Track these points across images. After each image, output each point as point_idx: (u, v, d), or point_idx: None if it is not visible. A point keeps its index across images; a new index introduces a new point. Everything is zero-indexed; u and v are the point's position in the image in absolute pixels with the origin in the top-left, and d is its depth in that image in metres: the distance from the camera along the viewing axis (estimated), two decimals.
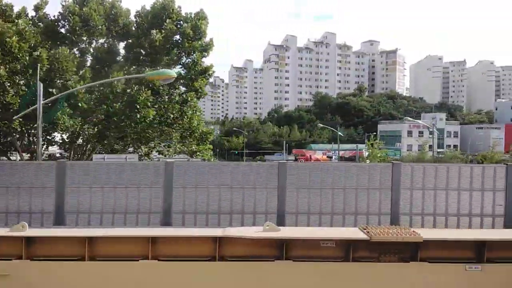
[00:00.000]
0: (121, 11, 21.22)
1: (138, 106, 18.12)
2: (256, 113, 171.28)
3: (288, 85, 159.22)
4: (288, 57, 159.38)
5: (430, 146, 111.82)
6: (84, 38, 20.67)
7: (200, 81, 20.63)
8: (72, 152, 22.55)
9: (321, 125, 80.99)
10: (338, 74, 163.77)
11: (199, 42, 20.32)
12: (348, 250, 8.77)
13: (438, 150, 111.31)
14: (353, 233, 8.83)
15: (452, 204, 10.11)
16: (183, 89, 21.41)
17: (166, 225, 9.84)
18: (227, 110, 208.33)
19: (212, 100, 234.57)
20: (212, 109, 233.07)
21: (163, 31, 19.96)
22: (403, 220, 10.04)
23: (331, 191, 10.07)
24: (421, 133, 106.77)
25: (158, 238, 8.77)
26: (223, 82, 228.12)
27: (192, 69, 20.41)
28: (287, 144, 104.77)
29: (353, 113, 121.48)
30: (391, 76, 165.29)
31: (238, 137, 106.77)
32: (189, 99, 20.03)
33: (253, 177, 10.16)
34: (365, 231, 8.76)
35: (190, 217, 10.02)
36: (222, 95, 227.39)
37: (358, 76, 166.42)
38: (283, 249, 8.74)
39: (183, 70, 20.57)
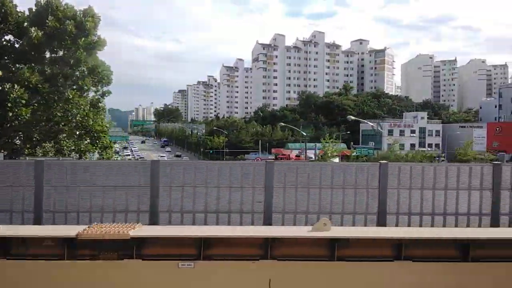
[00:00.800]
0: (12, 10, 21.05)
1: (9, 105, 17.93)
2: (247, 112, 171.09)
3: (276, 84, 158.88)
4: (276, 56, 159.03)
5: (412, 145, 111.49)
6: None
7: (86, 80, 20.42)
8: None
9: (283, 124, 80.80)
10: (326, 73, 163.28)
11: (84, 40, 20.09)
12: (67, 248, 8.62)
13: (421, 149, 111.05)
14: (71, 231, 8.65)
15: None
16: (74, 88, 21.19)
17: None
18: (219, 109, 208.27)
19: (205, 100, 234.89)
20: (205, 108, 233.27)
21: (46, 28, 19.78)
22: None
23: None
24: (402, 132, 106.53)
25: None
26: (216, 81, 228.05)
27: (76, 67, 20.22)
28: (267, 144, 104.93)
29: (337, 112, 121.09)
30: (379, 75, 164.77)
31: (219, 136, 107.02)
32: (70, 97, 19.79)
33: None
34: (87, 229, 8.59)
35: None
36: (215, 94, 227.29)
37: (347, 75, 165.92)
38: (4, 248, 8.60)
39: (69, 69, 20.35)
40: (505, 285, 7.94)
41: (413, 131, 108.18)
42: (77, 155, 21.01)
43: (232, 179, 9.70)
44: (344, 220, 9.38)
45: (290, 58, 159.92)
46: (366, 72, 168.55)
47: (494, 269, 7.82)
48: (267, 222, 9.56)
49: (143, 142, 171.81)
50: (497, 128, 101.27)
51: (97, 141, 21.44)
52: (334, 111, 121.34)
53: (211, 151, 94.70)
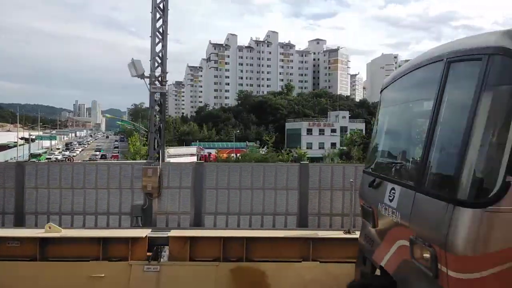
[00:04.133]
0: None
1: None
2: None
3: (228, 83, 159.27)
4: (228, 56, 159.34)
5: (333, 144, 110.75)
6: None
7: None
8: None
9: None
10: (280, 73, 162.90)
11: None
12: None
13: (340, 147, 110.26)
14: None
15: None
16: None
17: None
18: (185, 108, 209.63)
19: (176, 100, 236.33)
20: (176, 107, 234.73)
21: None
22: None
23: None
24: (321, 131, 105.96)
25: None
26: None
27: None
28: (190, 142, 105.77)
29: (269, 112, 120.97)
30: (333, 74, 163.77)
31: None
32: None
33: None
34: None
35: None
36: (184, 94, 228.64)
37: (302, 75, 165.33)
38: None
39: None
40: None
41: (333, 130, 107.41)
42: None
43: None
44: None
45: (242, 57, 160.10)
46: (321, 72, 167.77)
47: None
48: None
49: (107, 137, 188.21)
50: None
51: None
52: (266, 111, 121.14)
53: None
